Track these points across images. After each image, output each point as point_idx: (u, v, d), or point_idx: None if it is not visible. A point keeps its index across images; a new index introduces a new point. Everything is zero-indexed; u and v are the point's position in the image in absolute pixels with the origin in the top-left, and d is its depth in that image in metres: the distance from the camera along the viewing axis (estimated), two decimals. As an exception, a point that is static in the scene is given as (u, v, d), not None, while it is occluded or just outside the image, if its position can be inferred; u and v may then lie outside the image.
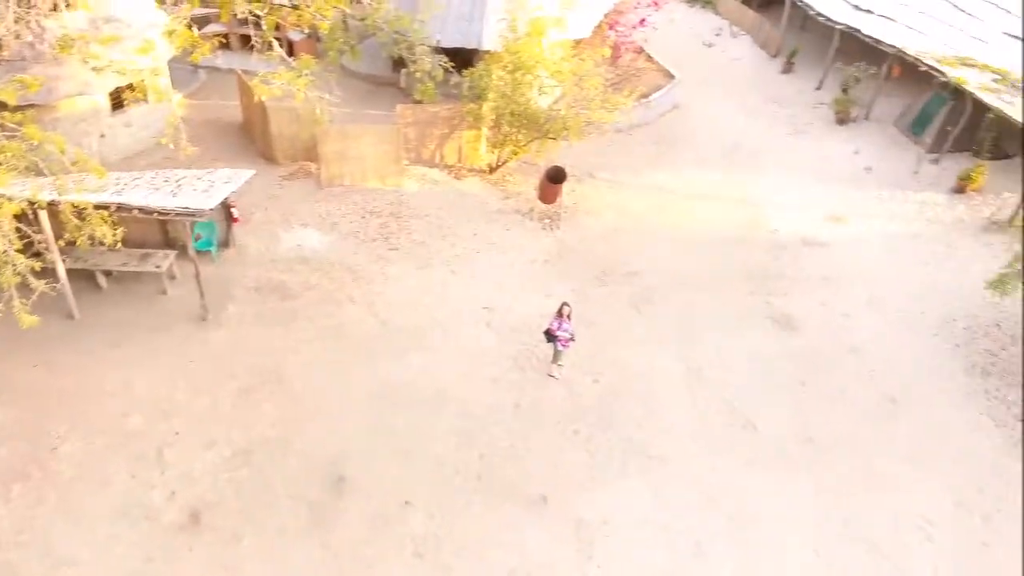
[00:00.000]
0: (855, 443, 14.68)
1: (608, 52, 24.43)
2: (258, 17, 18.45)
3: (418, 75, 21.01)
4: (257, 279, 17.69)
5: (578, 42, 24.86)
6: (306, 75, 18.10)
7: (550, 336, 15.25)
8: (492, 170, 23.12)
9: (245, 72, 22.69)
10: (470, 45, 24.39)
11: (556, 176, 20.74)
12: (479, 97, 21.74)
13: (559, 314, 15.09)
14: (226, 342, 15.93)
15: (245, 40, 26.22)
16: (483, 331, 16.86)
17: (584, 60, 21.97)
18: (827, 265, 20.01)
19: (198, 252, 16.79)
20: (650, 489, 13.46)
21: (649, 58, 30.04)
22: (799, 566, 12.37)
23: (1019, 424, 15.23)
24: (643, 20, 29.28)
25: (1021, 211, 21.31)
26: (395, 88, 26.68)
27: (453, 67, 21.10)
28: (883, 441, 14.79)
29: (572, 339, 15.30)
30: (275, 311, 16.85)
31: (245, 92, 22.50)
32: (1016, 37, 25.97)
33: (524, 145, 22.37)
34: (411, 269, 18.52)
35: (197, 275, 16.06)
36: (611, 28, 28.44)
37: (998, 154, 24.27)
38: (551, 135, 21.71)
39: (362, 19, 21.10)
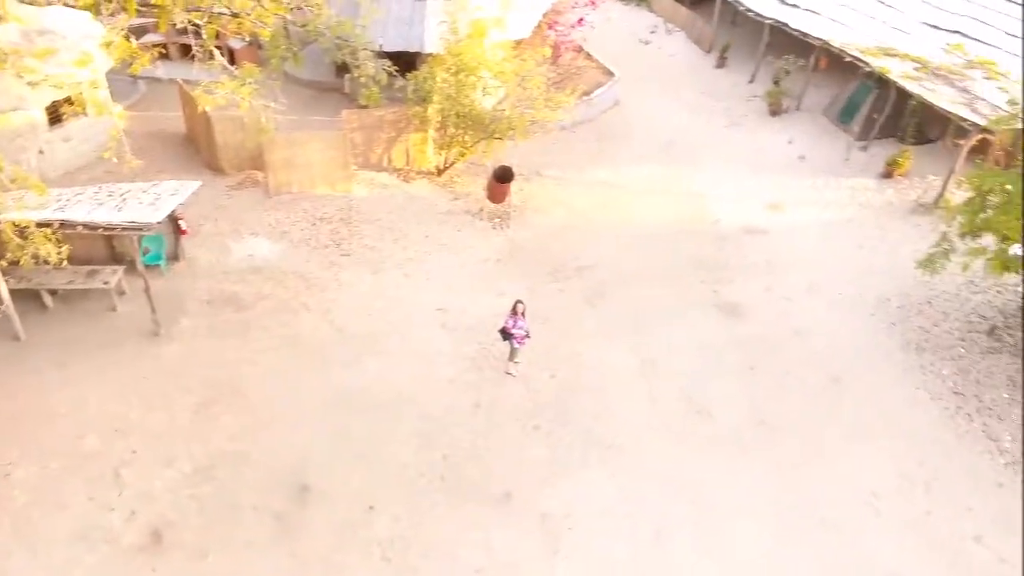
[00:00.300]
0: (804, 423, 14.93)
1: (548, 52, 24.39)
2: (197, 26, 17.96)
3: (362, 80, 20.76)
4: (209, 291, 17.20)
5: (519, 42, 24.75)
6: (250, 83, 17.68)
7: (506, 334, 15.15)
8: (440, 172, 22.90)
9: (186, 82, 22.06)
10: (412, 48, 24.09)
11: (504, 176, 20.65)
12: (424, 100, 21.49)
13: (513, 312, 14.98)
14: (180, 356, 15.45)
15: (185, 50, 25.46)
16: (439, 333, 16.68)
17: (526, 60, 21.86)
18: (768, 252, 20.31)
19: (147, 266, 16.25)
20: (611, 480, 13.48)
21: (588, 56, 30.05)
22: (757, 547, 12.51)
23: (955, 397, 15.67)
24: (581, 19, 29.31)
25: (945, 193, 21.97)
26: (339, 93, 26.21)
27: (397, 71, 20.87)
28: (830, 420, 15.08)
29: (527, 336, 15.21)
30: (229, 323, 16.40)
31: (187, 102, 21.86)
32: (935, 27, 26.73)
33: (471, 146, 22.19)
34: (364, 274, 18.23)
35: (147, 290, 15.54)
36: (550, 28, 28.40)
37: (921, 139, 24.91)
38: (497, 135, 21.56)
39: (303, 25, 20.71)
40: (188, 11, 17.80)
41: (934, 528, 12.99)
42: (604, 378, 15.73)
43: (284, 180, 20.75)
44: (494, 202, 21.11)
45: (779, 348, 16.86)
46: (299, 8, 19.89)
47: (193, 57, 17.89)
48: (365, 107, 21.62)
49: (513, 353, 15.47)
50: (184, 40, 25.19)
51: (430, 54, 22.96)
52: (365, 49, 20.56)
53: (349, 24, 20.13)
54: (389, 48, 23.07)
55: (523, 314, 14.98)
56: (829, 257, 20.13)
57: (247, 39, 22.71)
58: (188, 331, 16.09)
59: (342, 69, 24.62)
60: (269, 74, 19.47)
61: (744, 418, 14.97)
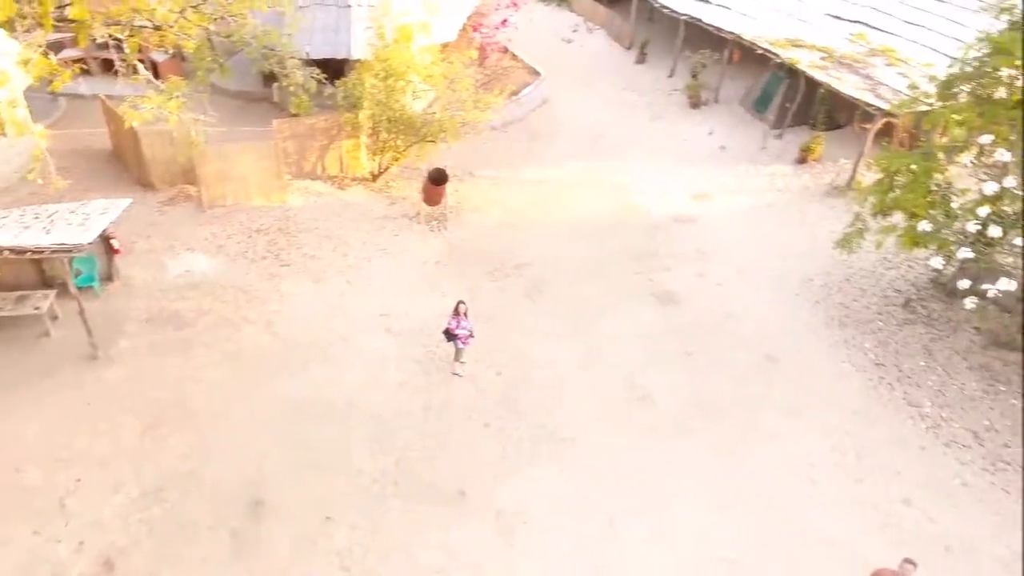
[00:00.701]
0: (740, 403, 15.17)
1: (475, 54, 24.22)
2: (119, 40, 17.14)
3: (291, 88, 20.20)
4: (147, 310, 16.50)
5: (445, 46, 24.48)
6: (177, 97, 17.00)
7: (450, 335, 14.98)
8: (375, 177, 22.49)
9: (110, 97, 21.14)
10: (339, 55, 23.61)
11: (438, 178, 20.38)
12: (354, 106, 21.10)
13: (456, 313, 14.83)
14: (122, 378, 14.77)
15: (107, 65, 24.35)
16: (384, 338, 16.38)
17: (453, 63, 21.65)
18: (697, 240, 20.61)
19: (80, 289, 15.46)
20: (561, 473, 13.45)
21: (514, 57, 30.00)
22: (704, 528, 12.60)
23: (877, 368, 16.18)
24: (505, 21, 29.22)
25: (856, 175, 22.66)
26: (268, 103, 25.52)
27: (325, 78, 20.38)
28: (764, 398, 15.36)
29: (472, 336, 15.08)
30: (170, 341, 15.76)
31: (112, 118, 20.90)
32: (838, 18, 27.53)
33: (404, 150, 21.88)
34: (305, 284, 17.76)
35: (81, 312, 14.77)
36: (475, 30, 28.24)
37: (831, 125, 25.66)
38: (429, 138, 21.34)
39: (228, 36, 19.99)
40: (108, 25, 16.99)
41: (866, 494, 13.34)
42: (549, 373, 15.69)
43: (217, 193, 20.06)
44: (430, 205, 20.84)
45: (713, 332, 17.11)
46: (223, 19, 19.20)
47: (116, 72, 17.08)
48: (296, 116, 21.08)
49: (458, 353, 15.31)
50: (105, 55, 24.11)
51: (358, 60, 22.52)
52: (292, 58, 20.02)
53: (275, 33, 19.55)
54: (316, 55, 22.50)
55: (466, 314, 14.85)
56: (754, 242, 20.54)
57: (171, 51, 21.88)
58: (128, 352, 15.40)
59: (270, 78, 23.94)
60: (196, 86, 18.77)
61: (684, 403, 15.13)
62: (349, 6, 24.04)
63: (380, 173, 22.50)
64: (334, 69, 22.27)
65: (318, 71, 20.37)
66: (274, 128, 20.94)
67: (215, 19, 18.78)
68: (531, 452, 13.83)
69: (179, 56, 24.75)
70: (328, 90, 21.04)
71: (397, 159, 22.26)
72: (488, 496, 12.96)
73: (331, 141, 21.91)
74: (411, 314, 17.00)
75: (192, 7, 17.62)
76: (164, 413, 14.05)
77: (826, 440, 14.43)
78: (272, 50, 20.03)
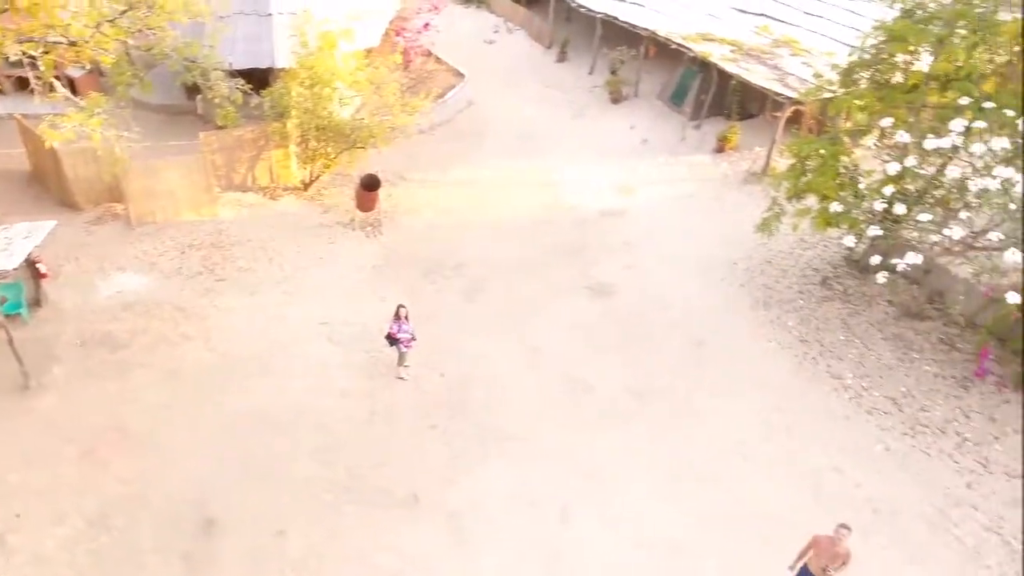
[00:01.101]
0: (675, 387, 15.38)
1: (399, 58, 23.85)
2: (33, 58, 16.27)
3: (217, 100, 19.55)
4: (80, 334, 15.68)
5: (369, 51, 24.03)
6: (98, 114, 16.24)
7: (392, 340, 14.73)
8: (307, 186, 21.92)
9: (26, 116, 20.01)
10: (263, 64, 22.87)
11: (370, 183, 20.01)
12: (282, 115, 20.47)
13: (396, 317, 14.59)
14: (57, 406, 14.01)
15: (22, 83, 23.08)
16: (326, 346, 15.99)
17: (378, 68, 21.25)
18: (625, 232, 20.78)
19: (7, 316, 14.58)
20: (510, 468, 13.39)
21: (438, 60, 29.66)
22: (651, 508, 12.74)
23: (801, 345, 16.63)
24: (427, 24, 28.87)
25: (770, 162, 23.23)
26: (193, 116, 24.55)
27: (251, 89, 19.78)
28: (698, 380, 15.60)
29: (413, 339, 14.86)
30: (106, 363, 15.03)
31: (30, 138, 19.77)
32: (743, 11, 28.14)
33: (334, 157, 21.37)
34: (242, 297, 17.17)
35: (10, 341, 13.93)
36: (398, 34, 27.80)
37: (745, 115, 26.15)
38: (359, 144, 20.88)
39: (148, 49, 19.19)
40: (21, 42, 16.09)
41: (797, 465, 13.69)
42: (491, 370, 15.59)
43: (146, 210, 19.20)
44: (364, 211, 20.44)
45: (646, 320, 17.29)
46: (141, 32, 18.38)
47: (31, 90, 16.20)
48: (222, 128, 20.39)
49: (401, 357, 15.07)
50: (19, 72, 22.89)
51: (283, 69, 21.87)
52: (216, 69, 19.33)
53: (196, 45, 18.85)
54: (239, 66, 21.77)
55: (406, 318, 14.62)
56: (679, 231, 20.82)
57: (88, 67, 20.89)
58: (62, 379, 14.62)
59: (193, 91, 23.10)
60: (117, 102, 17.94)
61: (623, 390, 15.23)
62: (271, 15, 23.33)
63: (311, 182, 21.95)
64: (259, 79, 21.64)
65: (243, 82, 19.75)
66: (201, 141, 20.15)
67: (133, 33, 17.99)
68: (479, 450, 13.71)
69: (97, 71, 23.63)
70: (254, 100, 20.41)
71: (328, 167, 21.74)
72: (440, 497, 12.81)
73: (260, 152, 21.25)
74: (351, 321, 16.65)
75: (108, 21, 16.84)
76: (103, 438, 13.41)
77: (757, 417, 14.75)
78: (194, 62, 19.30)
